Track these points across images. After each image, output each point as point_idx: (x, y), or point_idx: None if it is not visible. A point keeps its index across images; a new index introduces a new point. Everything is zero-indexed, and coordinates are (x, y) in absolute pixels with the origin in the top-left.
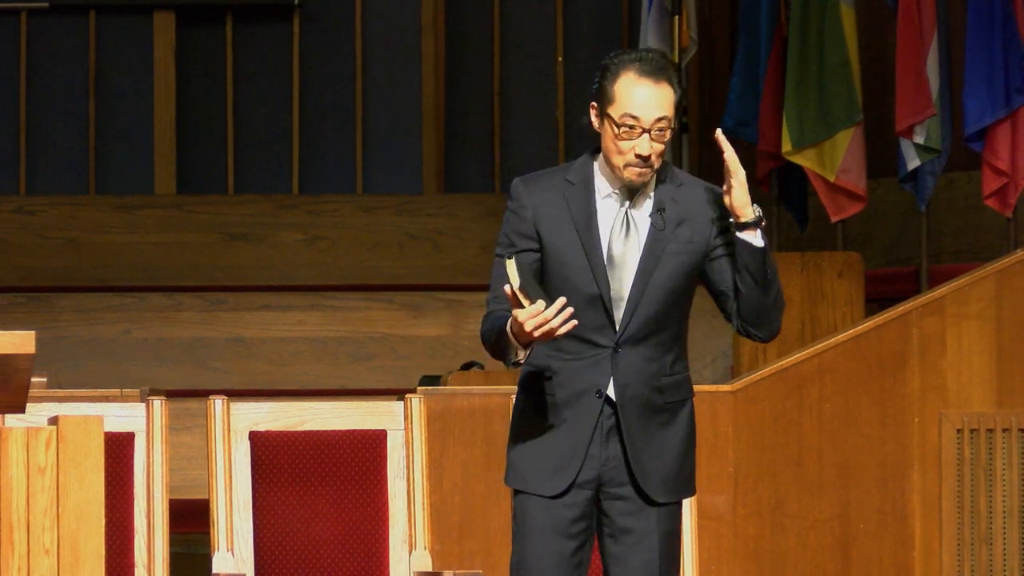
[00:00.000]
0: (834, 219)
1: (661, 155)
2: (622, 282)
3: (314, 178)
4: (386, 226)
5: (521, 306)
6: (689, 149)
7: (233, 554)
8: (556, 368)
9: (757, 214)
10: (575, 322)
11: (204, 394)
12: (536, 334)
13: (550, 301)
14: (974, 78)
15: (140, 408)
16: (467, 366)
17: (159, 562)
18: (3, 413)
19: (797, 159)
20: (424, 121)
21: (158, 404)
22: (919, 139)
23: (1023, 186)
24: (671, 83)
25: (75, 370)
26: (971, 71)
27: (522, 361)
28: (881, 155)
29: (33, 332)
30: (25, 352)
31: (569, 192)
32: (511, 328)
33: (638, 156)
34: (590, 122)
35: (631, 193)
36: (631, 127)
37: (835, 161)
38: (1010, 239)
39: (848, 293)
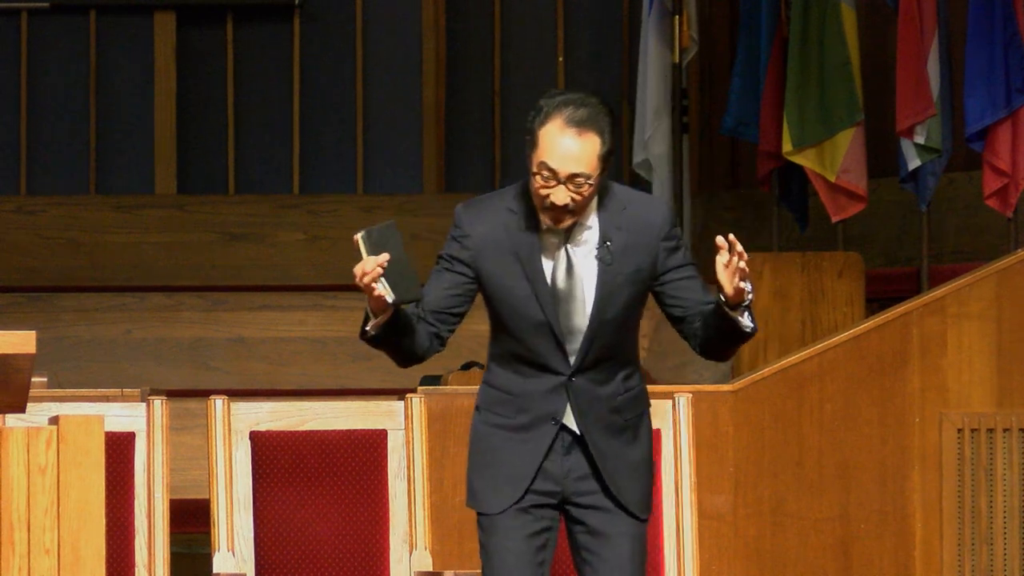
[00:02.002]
0: (835, 219)
1: (584, 201)
2: (571, 316)
3: (314, 178)
4: None
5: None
6: (689, 149)
7: (234, 554)
8: (515, 391)
9: (749, 299)
10: (380, 271)
11: (204, 394)
12: (358, 283)
13: (409, 273)
14: (974, 78)
15: (140, 408)
16: (467, 366)
17: (159, 562)
18: (4, 413)
19: (797, 159)
20: (424, 121)
21: (159, 404)
22: (920, 139)
23: None
24: (600, 134)
25: (75, 370)
26: (971, 71)
27: (369, 331)
28: (882, 155)
29: (34, 332)
30: (25, 352)
31: (511, 221)
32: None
33: (552, 204)
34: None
35: (570, 226)
36: (547, 177)
37: (835, 161)
38: (1011, 239)
39: (848, 293)
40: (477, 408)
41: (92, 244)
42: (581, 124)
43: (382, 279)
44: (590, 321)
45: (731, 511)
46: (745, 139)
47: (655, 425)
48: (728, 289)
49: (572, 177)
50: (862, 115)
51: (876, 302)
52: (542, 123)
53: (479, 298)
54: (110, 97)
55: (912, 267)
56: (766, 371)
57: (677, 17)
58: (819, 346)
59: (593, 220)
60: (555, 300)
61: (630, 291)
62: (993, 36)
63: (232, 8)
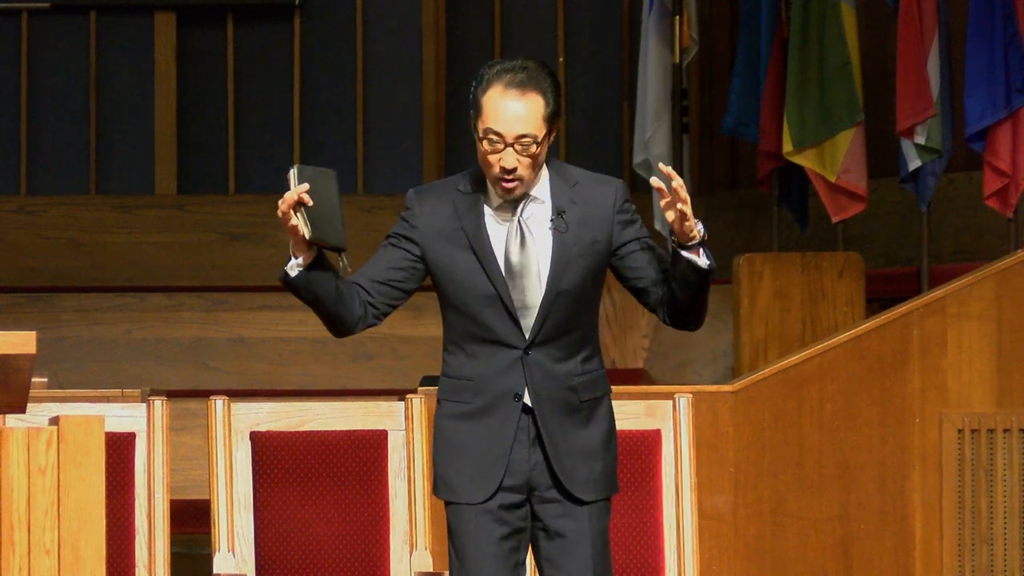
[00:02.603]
0: (835, 219)
1: (532, 168)
2: (525, 292)
3: None
4: (386, 226)
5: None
6: (689, 149)
7: (234, 554)
8: (471, 375)
9: (702, 235)
10: (299, 200)
11: (204, 394)
12: (279, 213)
13: (336, 219)
14: (975, 78)
15: (141, 408)
16: None
17: (160, 562)
18: (4, 413)
19: (798, 159)
20: (424, 121)
21: (159, 404)
22: (920, 139)
23: None
24: (542, 94)
25: (75, 370)
26: (972, 71)
27: (288, 271)
28: (882, 155)
29: (34, 332)
30: (26, 352)
31: (459, 200)
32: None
33: (502, 169)
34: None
35: (521, 199)
36: (494, 142)
37: (836, 161)
38: (1011, 239)
39: (849, 293)
40: (438, 401)
41: (92, 244)
42: (523, 85)
43: (302, 211)
44: (545, 292)
45: (731, 511)
46: (745, 139)
47: (655, 425)
48: (675, 226)
49: (519, 139)
50: (862, 115)
51: (876, 302)
52: (484, 89)
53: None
54: (110, 97)
55: (912, 267)
56: (766, 371)
57: (677, 17)
58: (819, 346)
59: (545, 194)
60: (508, 274)
61: (585, 263)
62: (993, 36)
63: (232, 8)
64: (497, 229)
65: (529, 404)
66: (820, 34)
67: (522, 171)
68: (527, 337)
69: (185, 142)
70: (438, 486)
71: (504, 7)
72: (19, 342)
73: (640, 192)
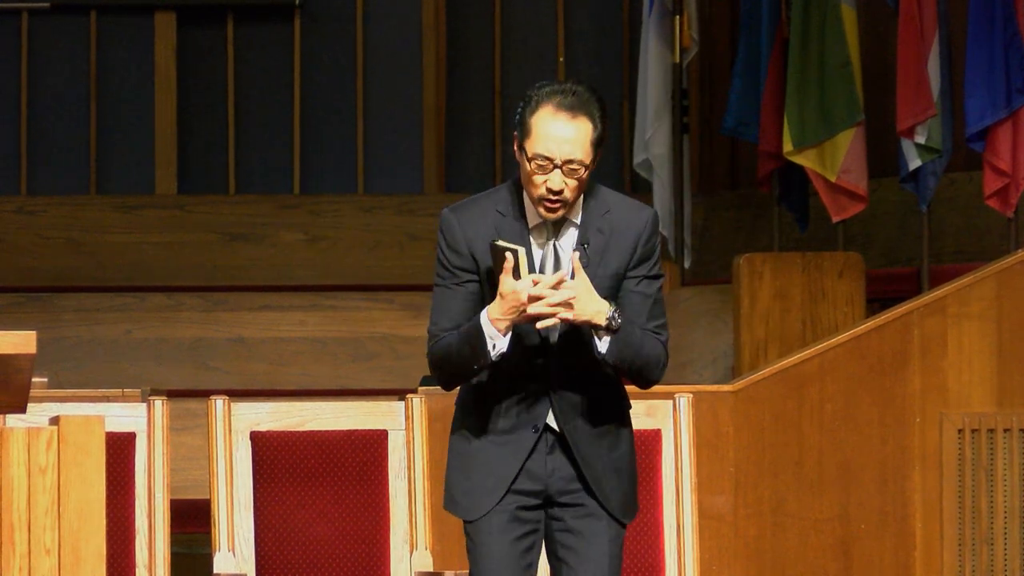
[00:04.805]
0: (835, 219)
1: (577, 190)
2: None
3: (314, 178)
4: (386, 226)
5: (517, 277)
6: (689, 149)
7: (234, 554)
8: (498, 398)
9: (609, 325)
10: (570, 316)
11: (204, 394)
12: (532, 310)
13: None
14: (975, 78)
15: (141, 408)
16: None
17: (160, 562)
18: (4, 413)
19: (798, 159)
20: (424, 121)
21: (159, 404)
22: (920, 139)
23: None
24: (591, 119)
25: (76, 370)
26: (972, 71)
27: (500, 352)
28: (882, 155)
29: (34, 332)
30: (26, 352)
31: (501, 224)
32: (488, 313)
33: (549, 190)
34: (515, 151)
35: (558, 222)
36: (542, 165)
37: (836, 161)
38: (1011, 239)
39: (849, 293)
40: (457, 418)
41: (92, 244)
42: (573, 109)
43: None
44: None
45: (731, 511)
46: (745, 139)
47: (656, 425)
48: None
49: (567, 163)
50: (862, 115)
51: (876, 302)
52: (534, 111)
53: None
54: (110, 97)
55: (912, 267)
56: (766, 371)
57: (677, 17)
58: (819, 346)
59: (578, 218)
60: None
61: (603, 294)
62: (993, 36)
63: (232, 8)
64: (535, 251)
65: (552, 426)
66: (820, 34)
67: (568, 194)
68: (551, 365)
69: (185, 142)
70: (447, 500)
71: (504, 7)
72: (19, 342)
73: (640, 192)
